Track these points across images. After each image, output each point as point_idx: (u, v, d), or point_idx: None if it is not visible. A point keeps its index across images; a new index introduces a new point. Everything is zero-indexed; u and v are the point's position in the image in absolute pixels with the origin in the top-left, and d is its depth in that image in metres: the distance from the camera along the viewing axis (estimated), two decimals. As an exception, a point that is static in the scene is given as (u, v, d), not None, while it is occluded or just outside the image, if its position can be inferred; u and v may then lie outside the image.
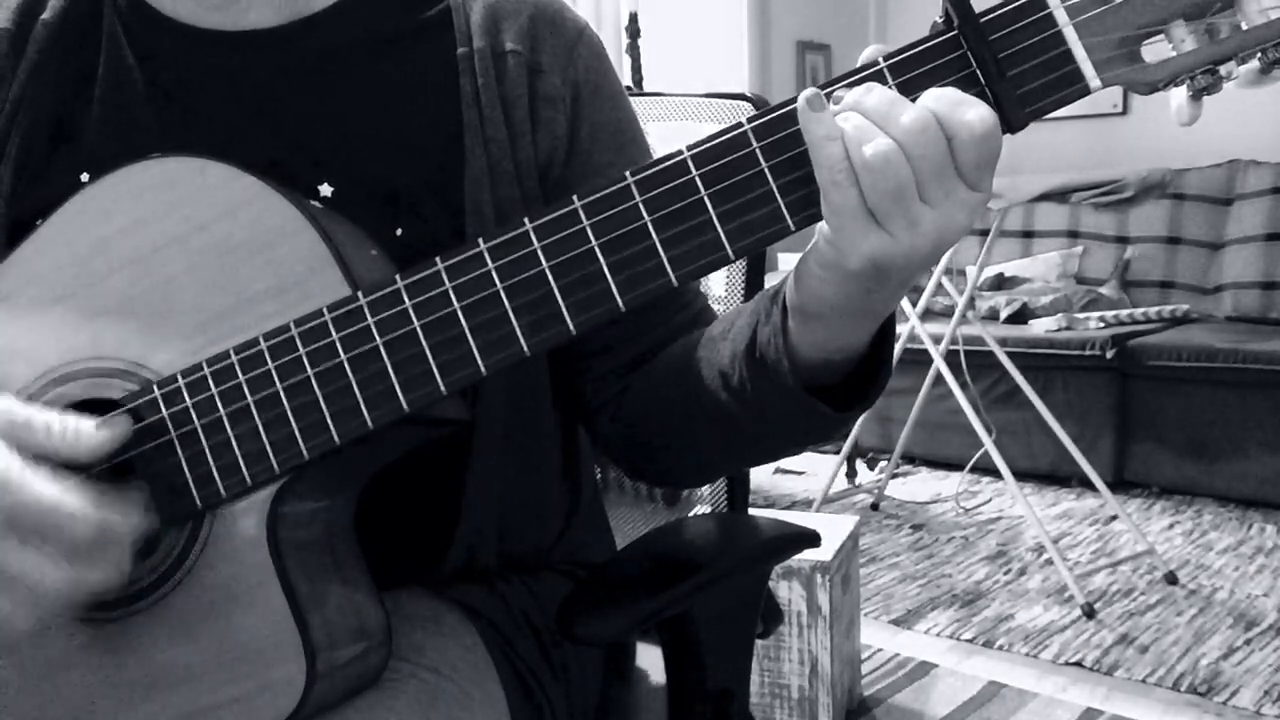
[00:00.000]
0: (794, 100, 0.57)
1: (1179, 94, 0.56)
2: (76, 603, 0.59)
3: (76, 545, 0.58)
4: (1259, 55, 0.54)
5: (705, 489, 1.10)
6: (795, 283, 0.62)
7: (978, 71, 0.56)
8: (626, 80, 3.38)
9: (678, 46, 4.16)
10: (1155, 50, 0.55)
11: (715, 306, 1.06)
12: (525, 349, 0.60)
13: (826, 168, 0.55)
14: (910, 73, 0.56)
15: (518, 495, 0.83)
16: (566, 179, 0.81)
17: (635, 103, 1.11)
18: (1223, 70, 0.55)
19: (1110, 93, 4.46)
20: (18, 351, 0.68)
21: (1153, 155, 4.15)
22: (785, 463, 3.87)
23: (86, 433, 0.61)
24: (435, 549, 0.81)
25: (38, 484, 0.57)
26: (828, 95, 0.56)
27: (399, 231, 0.76)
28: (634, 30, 3.42)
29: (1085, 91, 0.56)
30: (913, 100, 0.55)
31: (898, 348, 3.02)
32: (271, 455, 0.63)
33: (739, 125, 0.57)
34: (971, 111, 0.54)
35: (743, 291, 1.08)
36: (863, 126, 0.55)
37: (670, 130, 1.15)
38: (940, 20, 0.56)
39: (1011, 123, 0.56)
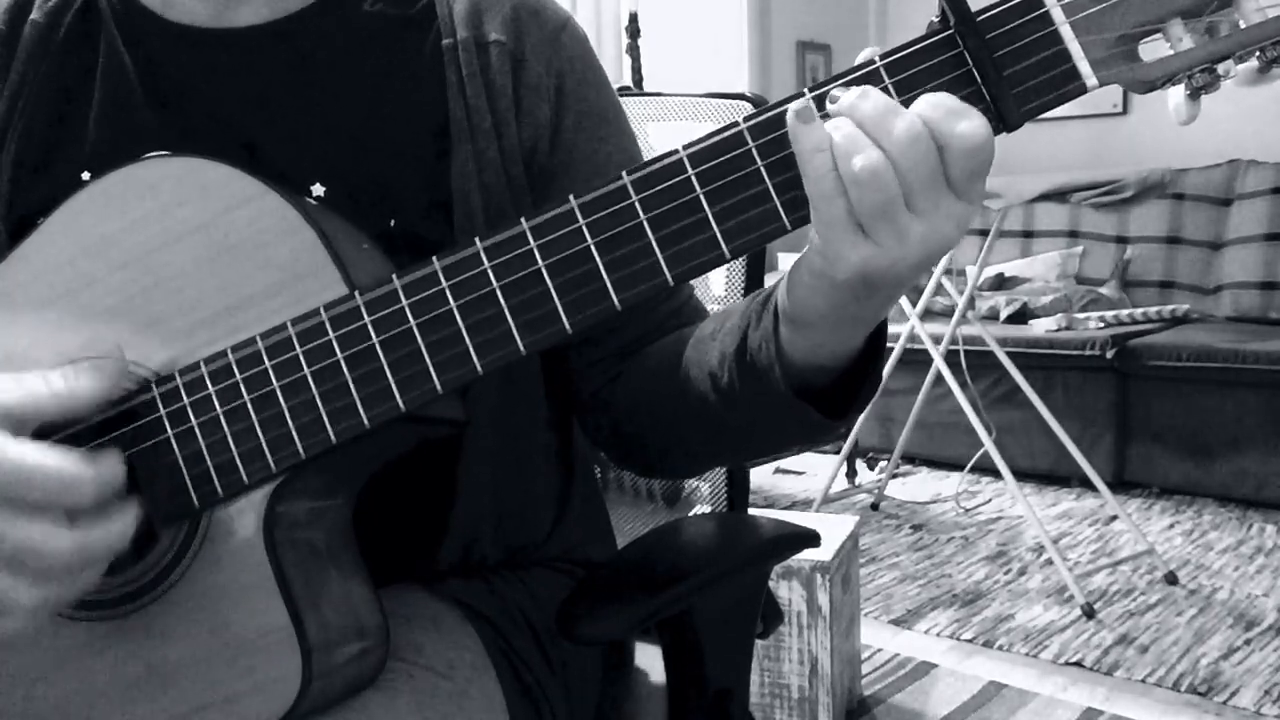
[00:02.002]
0: (791, 99, 0.57)
1: (1177, 93, 0.56)
2: (86, 576, 0.58)
3: (79, 504, 0.57)
4: (1257, 54, 0.54)
5: (705, 489, 1.10)
6: (787, 290, 0.62)
7: (974, 70, 0.55)
8: (626, 80, 3.38)
9: (678, 46, 4.16)
10: (1152, 49, 0.55)
11: (713, 307, 1.06)
12: (521, 348, 0.60)
13: (815, 179, 0.55)
14: (906, 72, 0.56)
15: (511, 486, 0.83)
16: (551, 167, 0.82)
17: (635, 103, 1.11)
18: (1220, 69, 0.54)
19: (1110, 92, 4.46)
20: (17, 350, 0.68)
21: (1153, 155, 4.15)
22: (785, 463, 3.87)
23: (84, 387, 0.59)
24: (430, 542, 0.81)
25: (30, 450, 0.56)
26: (821, 97, 0.56)
27: (392, 223, 0.76)
28: (634, 30, 3.41)
29: (1082, 90, 0.55)
30: (907, 104, 0.55)
31: (897, 347, 3.03)
32: (268, 454, 0.63)
33: (735, 125, 0.57)
34: (964, 123, 0.53)
35: (742, 291, 1.08)
36: (852, 136, 0.54)
37: (670, 130, 1.15)
38: (936, 19, 0.56)
39: (1008, 121, 0.56)
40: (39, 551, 0.56)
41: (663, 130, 1.16)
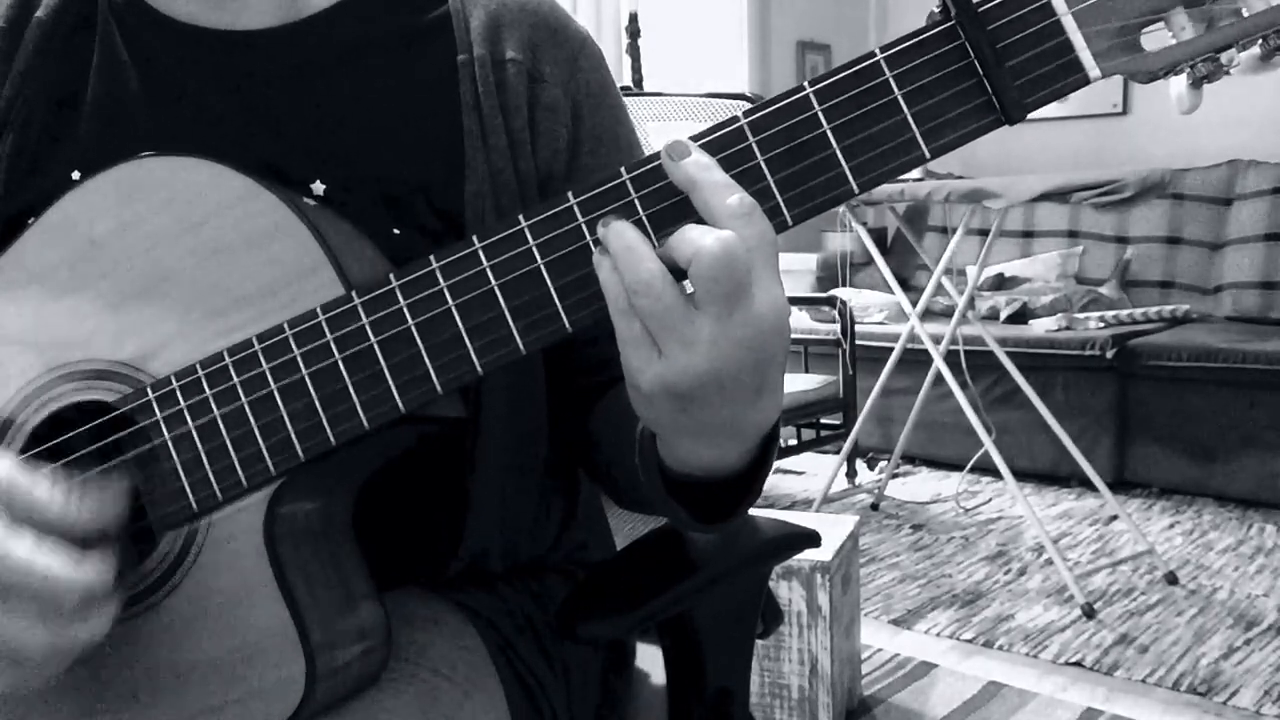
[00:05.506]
0: (792, 93, 0.57)
1: (1179, 82, 0.56)
2: (60, 664, 0.58)
3: (59, 609, 0.56)
4: (1260, 42, 0.54)
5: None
6: None
7: (975, 62, 0.55)
8: (626, 80, 3.38)
9: (678, 46, 4.16)
10: (1155, 38, 0.55)
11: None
12: (521, 347, 0.59)
13: (610, 300, 0.55)
14: (908, 63, 0.56)
15: (519, 498, 0.83)
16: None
17: (635, 103, 1.11)
18: (1223, 58, 0.54)
19: (1110, 92, 4.47)
20: (10, 353, 0.68)
21: (1153, 155, 4.16)
22: (785, 463, 3.87)
23: (88, 501, 0.59)
24: (440, 553, 0.80)
25: (20, 548, 0.56)
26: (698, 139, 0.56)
27: (396, 231, 0.76)
28: (634, 30, 3.42)
29: (1085, 81, 0.55)
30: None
31: (897, 348, 3.03)
32: (267, 457, 0.62)
33: (735, 120, 0.57)
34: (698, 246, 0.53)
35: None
36: (626, 257, 0.54)
37: (670, 130, 1.15)
38: (937, 10, 0.56)
39: (1010, 114, 0.55)
40: (9, 645, 0.56)
41: (663, 130, 1.16)
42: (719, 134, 0.57)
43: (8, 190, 0.77)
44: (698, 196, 0.55)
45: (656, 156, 0.57)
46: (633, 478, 0.68)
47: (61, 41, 0.81)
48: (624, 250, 0.54)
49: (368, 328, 0.61)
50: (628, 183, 0.57)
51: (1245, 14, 0.53)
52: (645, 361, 0.55)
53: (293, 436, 0.62)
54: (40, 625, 0.56)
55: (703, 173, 0.55)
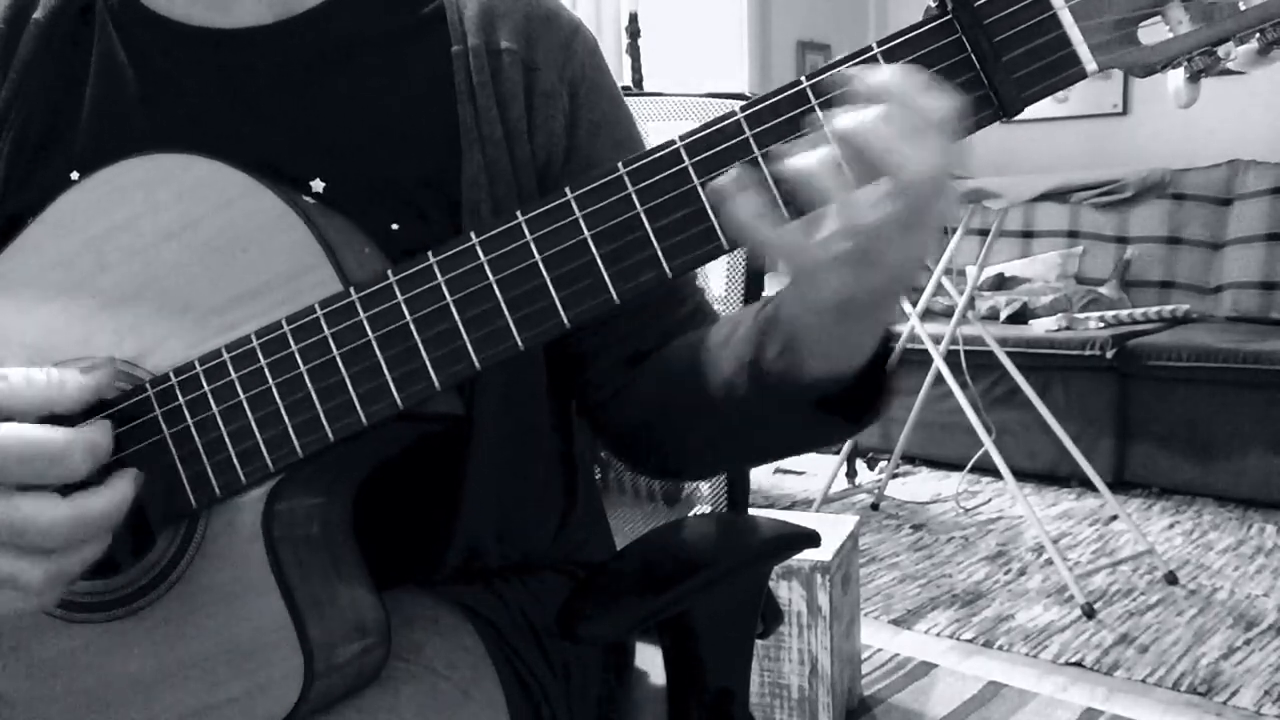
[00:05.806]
0: (787, 87, 0.56)
1: (1176, 76, 0.56)
2: (87, 546, 0.59)
3: (70, 475, 0.58)
4: (1257, 35, 0.54)
5: (705, 489, 1.10)
6: (780, 316, 0.63)
7: (972, 56, 0.55)
8: (626, 80, 3.38)
9: (678, 46, 4.16)
10: (1152, 32, 0.55)
11: (715, 306, 1.06)
12: (519, 343, 0.59)
13: (798, 267, 0.55)
14: (905, 57, 0.56)
15: (515, 493, 0.83)
16: (565, 178, 0.81)
17: (635, 102, 1.11)
18: (1221, 51, 0.54)
19: (1110, 92, 4.47)
20: (9, 351, 0.68)
21: (1153, 155, 4.15)
22: (785, 463, 3.87)
23: (71, 379, 0.60)
24: (434, 548, 0.80)
25: (12, 429, 0.57)
26: (819, 87, 0.56)
27: (395, 226, 0.76)
28: (634, 30, 3.41)
29: (1081, 75, 0.55)
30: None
31: (897, 348, 3.02)
32: (265, 453, 0.62)
33: (732, 114, 0.57)
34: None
35: (743, 291, 1.07)
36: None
37: (671, 130, 1.15)
38: (934, 5, 0.56)
39: (1007, 107, 0.55)
40: (37, 526, 0.57)
41: (663, 130, 1.16)
42: (716, 128, 0.57)
43: (7, 190, 0.78)
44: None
45: (654, 151, 0.57)
46: (743, 411, 0.69)
47: (59, 42, 0.81)
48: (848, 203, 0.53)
49: (365, 323, 0.61)
50: (624, 177, 0.57)
51: (1243, 7, 0.53)
52: (823, 287, 0.55)
53: (291, 432, 0.62)
54: (58, 500, 0.57)
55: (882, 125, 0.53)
